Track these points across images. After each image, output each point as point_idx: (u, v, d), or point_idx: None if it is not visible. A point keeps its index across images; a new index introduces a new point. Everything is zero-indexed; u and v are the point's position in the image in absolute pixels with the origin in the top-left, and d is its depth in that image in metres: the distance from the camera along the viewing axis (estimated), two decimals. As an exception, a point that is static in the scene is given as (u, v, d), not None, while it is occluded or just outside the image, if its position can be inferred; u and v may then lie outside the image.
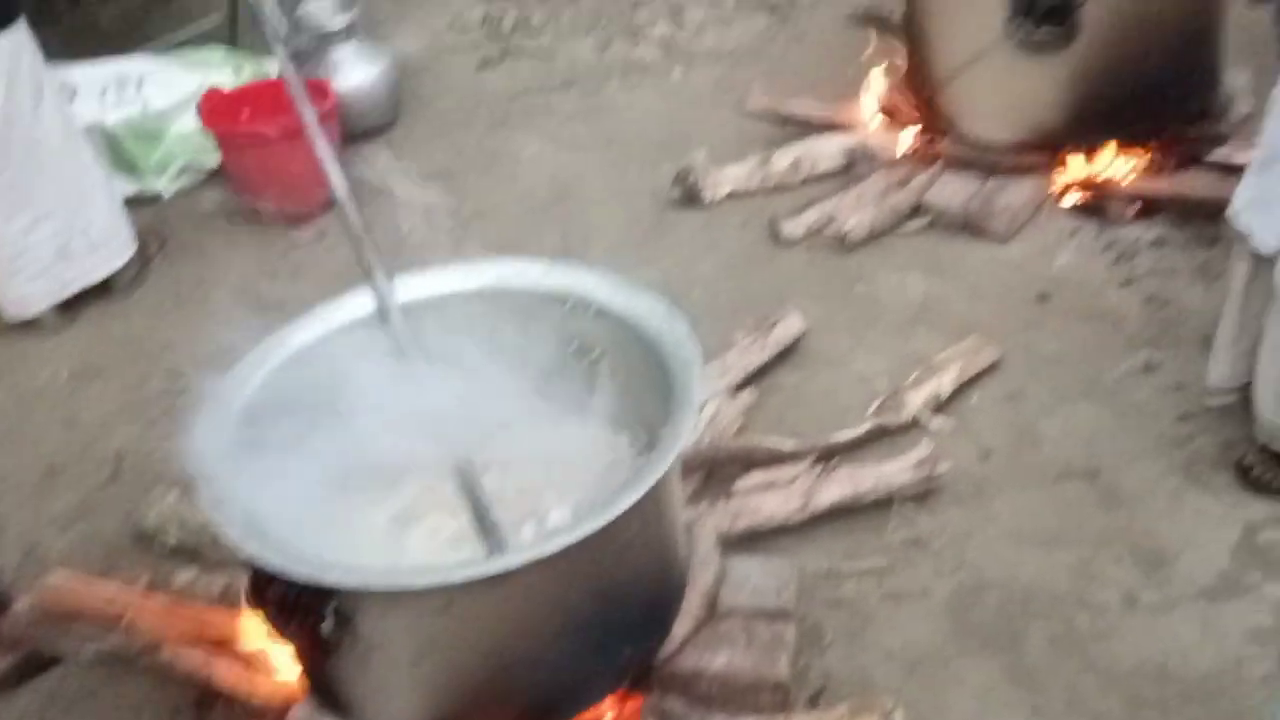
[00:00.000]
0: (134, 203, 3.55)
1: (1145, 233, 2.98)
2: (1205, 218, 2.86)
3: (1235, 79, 3.21)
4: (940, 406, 2.60)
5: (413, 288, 2.05)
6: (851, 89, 3.60)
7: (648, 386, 1.89)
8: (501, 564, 1.61)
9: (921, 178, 3.20)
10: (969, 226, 3.08)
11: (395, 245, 3.29)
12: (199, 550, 2.32)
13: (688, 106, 3.91)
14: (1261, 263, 2.08)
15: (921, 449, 2.40)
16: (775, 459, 2.41)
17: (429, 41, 4.44)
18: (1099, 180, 3.05)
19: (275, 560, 1.58)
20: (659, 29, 4.28)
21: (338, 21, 3.79)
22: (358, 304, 1.99)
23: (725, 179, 3.38)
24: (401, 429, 1.90)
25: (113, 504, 2.62)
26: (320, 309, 2.06)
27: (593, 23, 4.37)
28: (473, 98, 4.09)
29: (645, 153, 3.67)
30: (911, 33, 3.23)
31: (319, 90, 3.50)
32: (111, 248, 3.24)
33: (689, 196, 3.37)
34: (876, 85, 3.52)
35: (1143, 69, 2.87)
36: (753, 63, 4.09)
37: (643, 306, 1.99)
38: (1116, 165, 3.06)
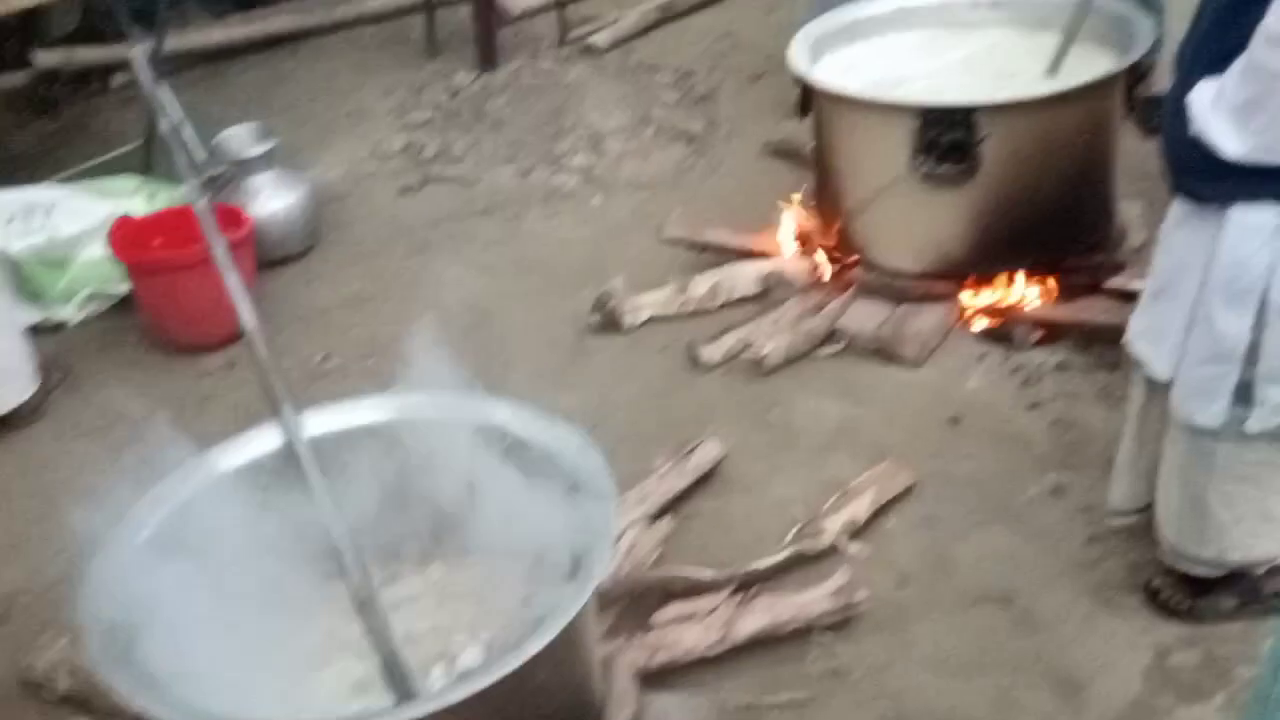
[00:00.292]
0: (39, 331, 3.48)
1: (1049, 357, 3.06)
2: (1105, 342, 2.95)
3: (1129, 210, 3.35)
4: (857, 532, 2.60)
5: (323, 421, 2.02)
6: (767, 218, 3.69)
7: (563, 519, 1.87)
8: (404, 715, 1.56)
9: (835, 304, 3.26)
10: (881, 351, 3.14)
11: (308, 375, 3.32)
12: (90, 700, 2.21)
13: (607, 234, 3.96)
14: (1156, 388, 2.13)
15: (839, 577, 2.40)
16: (694, 589, 2.39)
17: (349, 169, 4.47)
18: (1004, 307, 3.14)
19: (166, 716, 1.52)
20: (579, 158, 4.35)
21: (256, 149, 3.81)
22: (265, 438, 1.95)
23: (644, 305, 3.42)
24: (308, 568, 1.86)
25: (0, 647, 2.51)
26: (226, 443, 2.02)
27: (514, 152, 4.43)
28: (393, 224, 4.11)
29: (565, 279, 3.70)
30: (822, 166, 3.33)
31: (235, 217, 3.50)
32: (12, 383, 3.16)
33: (608, 322, 3.40)
34: (790, 215, 3.61)
35: (1041, 201, 2.98)
36: (671, 192, 4.18)
37: (558, 437, 1.99)
38: (1020, 292, 3.15)
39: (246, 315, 1.65)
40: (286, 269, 3.85)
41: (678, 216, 3.87)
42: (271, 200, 3.78)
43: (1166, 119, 1.86)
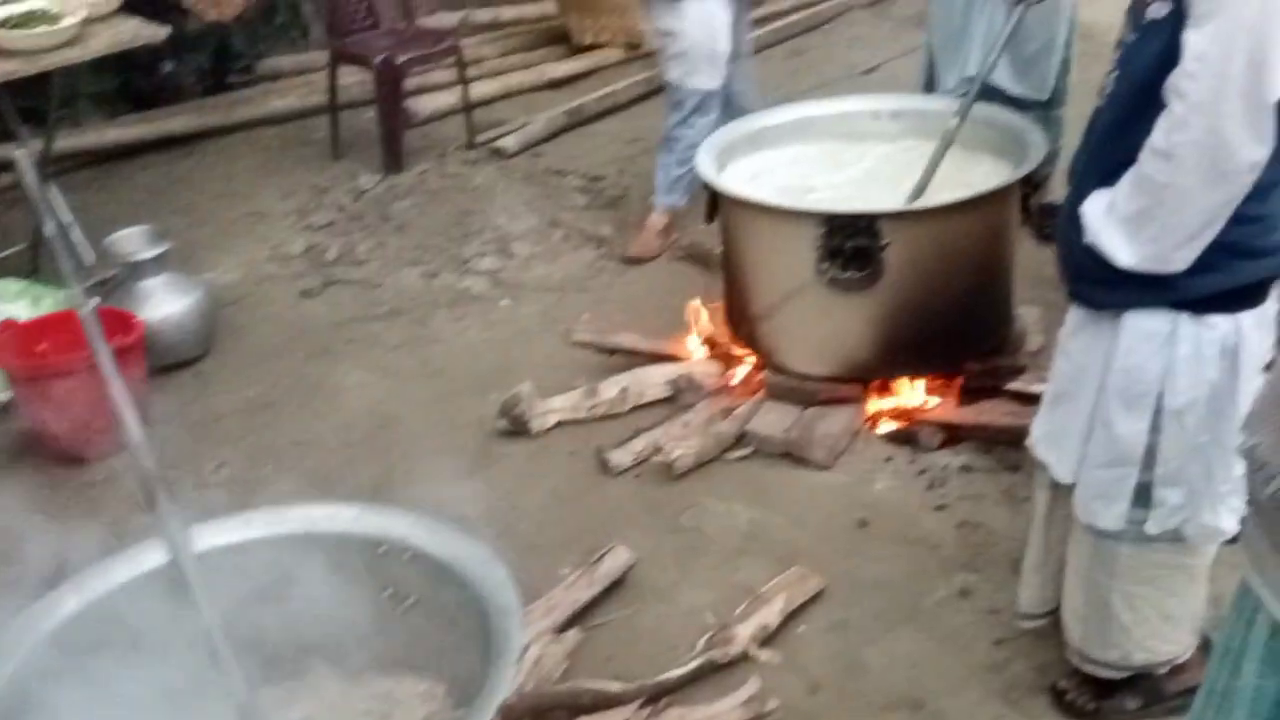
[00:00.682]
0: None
1: (954, 459, 3.09)
2: (1008, 444, 2.99)
3: (1028, 314, 3.44)
4: (768, 639, 2.56)
5: (212, 533, 1.93)
6: (676, 321, 3.70)
7: (466, 634, 1.81)
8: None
9: (744, 407, 3.27)
10: (791, 454, 3.14)
11: (199, 485, 3.20)
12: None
13: (515, 337, 3.94)
14: (1060, 490, 2.16)
15: (750, 686, 2.36)
16: (603, 703, 2.33)
17: (248, 271, 4.39)
18: (909, 410, 3.18)
19: None
20: (487, 261, 4.34)
21: (148, 252, 3.72)
22: (149, 552, 1.86)
23: (552, 409, 3.39)
24: (197, 687, 1.76)
25: None
26: (109, 557, 1.92)
27: (420, 254, 4.40)
28: (292, 328, 4.03)
29: (471, 383, 3.66)
30: (730, 270, 3.36)
31: (124, 322, 3.40)
32: (-117, 490, 3.00)
33: (516, 427, 3.35)
34: (699, 318, 3.63)
35: (943, 306, 3.04)
36: (579, 295, 4.18)
37: (461, 549, 1.92)
38: (924, 395, 3.19)
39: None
40: (180, 375, 3.74)
41: (586, 320, 3.87)
42: (164, 304, 3.68)
43: (1062, 229, 1.91)
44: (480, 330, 4.00)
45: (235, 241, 4.60)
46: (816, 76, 6.48)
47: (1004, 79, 3.84)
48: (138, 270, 3.70)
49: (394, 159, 5.03)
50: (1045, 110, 3.94)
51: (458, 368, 3.78)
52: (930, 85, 4.09)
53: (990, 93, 3.77)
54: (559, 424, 3.38)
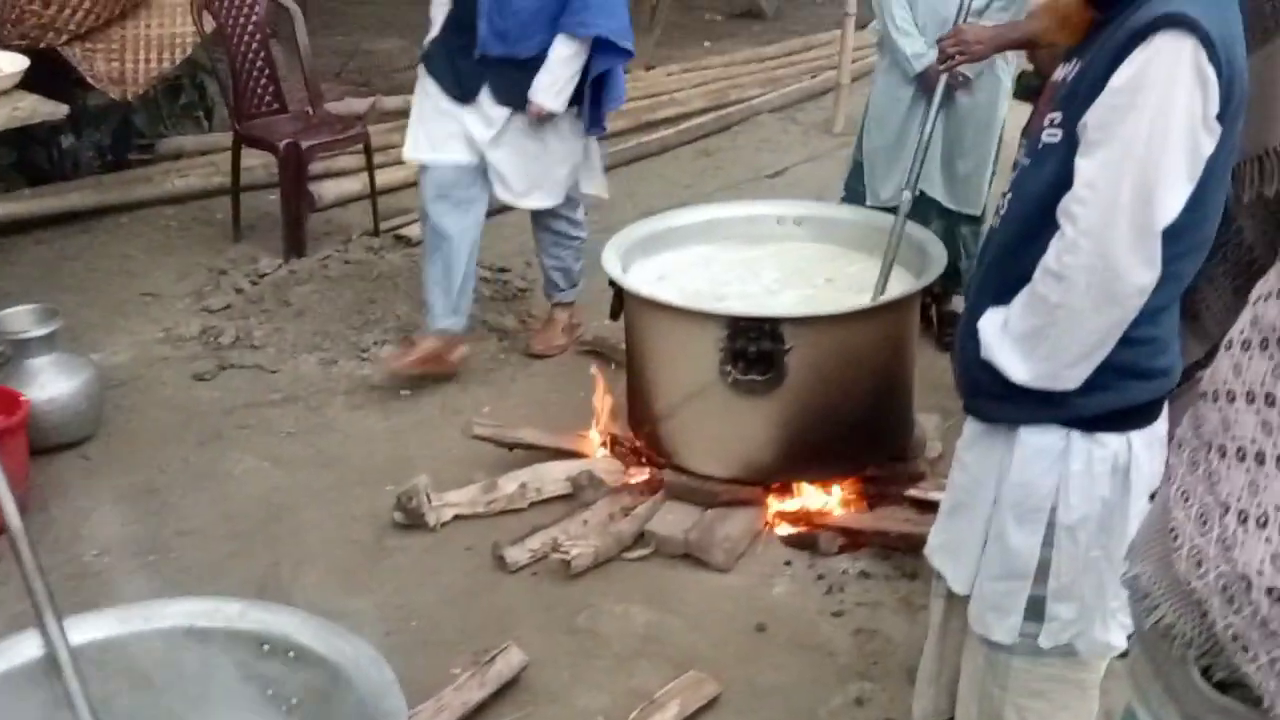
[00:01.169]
0: None
1: (852, 565, 3.10)
2: (906, 551, 3.02)
3: (927, 421, 3.50)
4: (663, 746, 2.51)
5: (90, 628, 1.83)
6: (578, 416, 3.69)
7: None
8: None
9: (644, 507, 3.24)
10: (690, 556, 3.12)
11: (79, 574, 3.06)
12: None
13: (414, 428, 3.87)
14: (956, 601, 2.16)
15: (644, 796, 2.30)
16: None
17: (140, 353, 4.26)
18: (809, 514, 3.19)
19: None
20: (388, 350, 4.28)
21: (36, 330, 3.59)
22: (26, 647, 1.76)
23: (450, 503, 3.33)
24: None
25: None
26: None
27: (319, 341, 4.32)
28: (184, 412, 3.91)
29: (367, 474, 3.57)
30: (633, 369, 3.36)
31: (9, 401, 3.27)
32: None
33: (412, 520, 3.28)
34: (602, 414, 3.62)
35: (844, 411, 3.07)
36: (481, 387, 4.14)
37: (347, 649, 1.85)
38: (824, 500, 3.21)
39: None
40: (65, 457, 3.59)
41: (487, 413, 3.83)
42: (51, 384, 3.54)
43: (959, 343, 1.95)
44: (378, 420, 3.93)
45: (128, 322, 4.47)
46: (724, 178, 6.62)
47: (938, 193, 4.00)
48: (25, 348, 3.56)
49: (296, 243, 4.96)
50: (976, 225, 4.08)
51: (353, 458, 3.69)
52: (854, 196, 4.18)
53: (927, 205, 3.95)
54: (456, 518, 3.32)
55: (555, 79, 3.75)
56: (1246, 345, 0.90)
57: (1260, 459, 0.86)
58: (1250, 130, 2.28)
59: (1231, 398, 0.90)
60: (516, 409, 3.96)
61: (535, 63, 3.76)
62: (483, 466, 3.55)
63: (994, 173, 4.10)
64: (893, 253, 3.12)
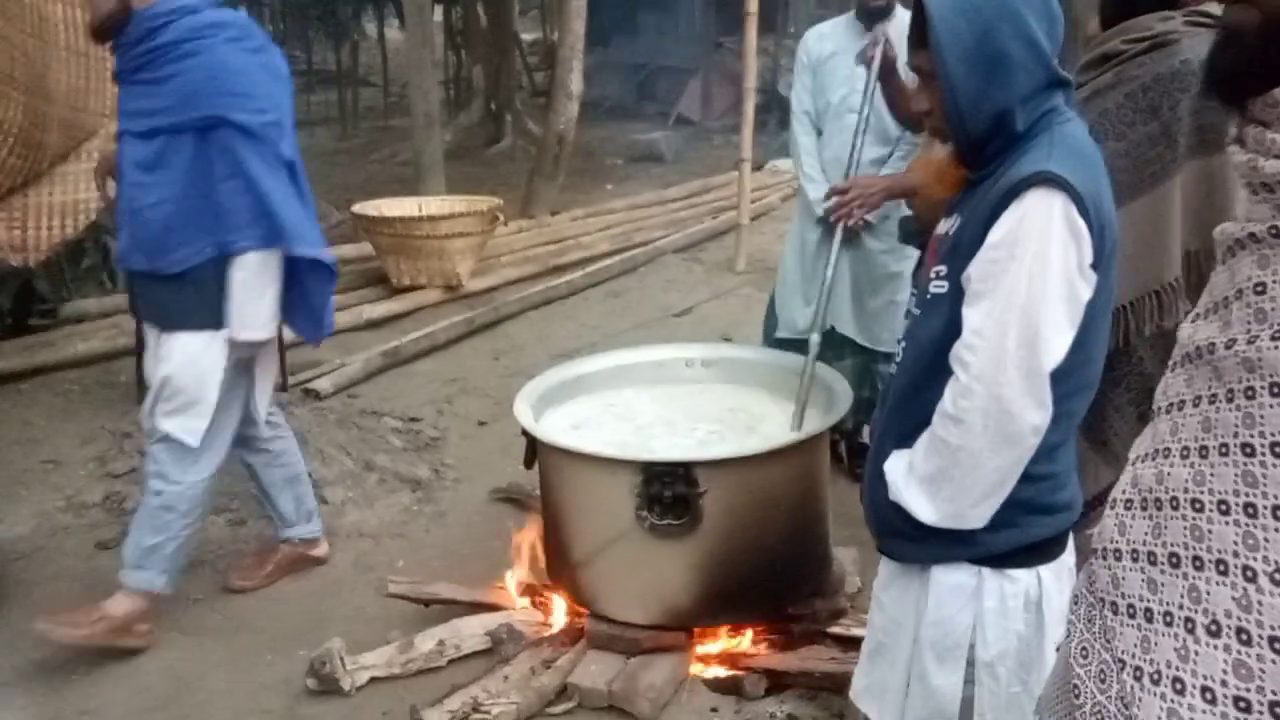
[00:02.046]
0: None
1: (780, 707, 3.06)
2: (831, 690, 2.99)
3: (844, 556, 3.51)
4: None
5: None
6: (495, 568, 3.64)
7: None
8: None
9: (566, 657, 3.18)
10: (615, 706, 3.06)
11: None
12: None
13: (326, 588, 3.78)
14: (885, 741, 2.15)
15: None
16: None
17: (40, 523, 4.12)
18: (732, 657, 3.16)
19: None
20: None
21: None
22: None
23: (365, 665, 3.22)
24: None
25: None
26: None
27: (227, 502, 4.22)
28: (86, 582, 3.76)
29: (279, 639, 3.46)
30: (549, 517, 3.34)
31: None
32: None
33: (326, 686, 3.17)
34: (519, 565, 3.58)
35: (761, 551, 3.08)
36: (395, 541, 4.07)
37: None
38: (747, 643, 3.18)
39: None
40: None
41: (402, 568, 3.76)
42: (-56, 562, 3.39)
43: (867, 485, 1.98)
44: (288, 581, 3.82)
45: (29, 491, 4.33)
46: (633, 317, 6.72)
47: (850, 330, 4.15)
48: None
49: (203, 402, 4.86)
50: (887, 362, 4.18)
51: (264, 622, 3.58)
52: (771, 327, 4.29)
53: (841, 341, 4.11)
54: (372, 680, 3.22)
55: (241, 306, 3.28)
56: (1129, 505, 0.93)
57: (1149, 616, 0.88)
58: (1146, 267, 2.41)
59: (1119, 556, 0.92)
60: (431, 562, 3.90)
61: (183, 281, 3.25)
62: (399, 624, 3.47)
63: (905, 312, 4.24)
64: (805, 394, 3.19)
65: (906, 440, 1.86)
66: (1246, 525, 0.81)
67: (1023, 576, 1.86)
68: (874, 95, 3.54)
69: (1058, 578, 1.89)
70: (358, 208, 7.17)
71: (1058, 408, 1.72)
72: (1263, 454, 0.81)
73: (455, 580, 3.61)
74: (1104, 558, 0.94)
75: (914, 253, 4.18)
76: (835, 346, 4.17)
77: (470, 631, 3.36)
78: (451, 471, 4.63)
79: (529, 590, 3.48)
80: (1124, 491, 0.94)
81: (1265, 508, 0.81)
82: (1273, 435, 0.81)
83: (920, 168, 3.21)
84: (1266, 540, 0.80)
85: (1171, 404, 0.91)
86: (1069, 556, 1.93)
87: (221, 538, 4.06)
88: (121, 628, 3.35)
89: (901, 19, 4.02)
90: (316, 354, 5.83)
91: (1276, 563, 0.79)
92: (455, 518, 4.24)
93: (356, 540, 4.08)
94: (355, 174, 11.82)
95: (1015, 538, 1.83)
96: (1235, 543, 0.82)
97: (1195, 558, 0.85)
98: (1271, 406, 0.81)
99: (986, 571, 1.86)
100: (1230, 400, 0.85)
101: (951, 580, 1.88)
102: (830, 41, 4.10)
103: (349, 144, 14.24)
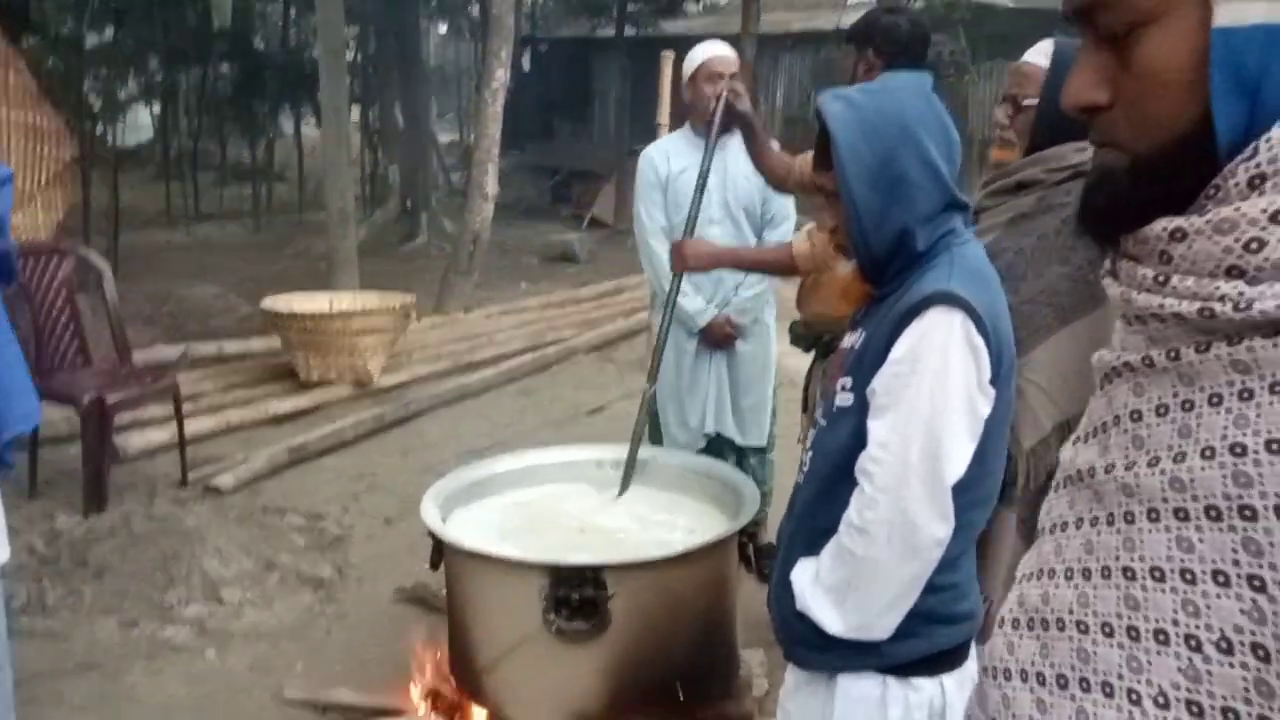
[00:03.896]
0: None
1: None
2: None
3: (752, 658, 3.50)
4: None
5: None
6: (398, 671, 3.55)
7: None
8: None
9: (468, 767, 3.10)
10: (518, 818, 2.98)
11: None
12: None
13: (221, 693, 3.65)
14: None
15: None
16: None
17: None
18: (639, 765, 3.10)
19: None
20: (192, 609, 4.07)
21: None
22: None
23: (258, 776, 3.11)
24: None
25: None
26: None
27: (118, 601, 4.08)
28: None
29: (167, 749, 3.33)
30: (455, 620, 3.27)
31: None
32: None
33: (215, 798, 3.05)
34: (422, 668, 3.49)
35: (669, 654, 3.05)
36: (294, 643, 3.96)
37: None
38: (654, 749, 3.14)
39: None
40: None
41: (301, 671, 3.65)
42: None
43: (774, 593, 1.98)
44: (181, 686, 3.69)
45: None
46: (544, 416, 6.72)
47: (730, 430, 4.30)
48: None
49: (97, 499, 4.73)
50: (763, 455, 4.32)
51: (152, 732, 3.44)
52: (657, 436, 4.33)
53: (722, 442, 4.29)
54: (264, 793, 3.10)
55: None
56: (1016, 624, 0.94)
57: None
58: (1091, 382, 2.46)
59: (1008, 675, 0.94)
60: (332, 665, 3.79)
61: None
62: (295, 733, 3.36)
63: (774, 409, 4.35)
64: (634, 452, 3.39)
65: (813, 548, 1.88)
66: (1130, 648, 0.83)
67: (927, 686, 1.88)
68: (727, 202, 4.01)
69: (961, 687, 1.91)
70: (268, 302, 7.09)
71: (959, 519, 1.76)
72: (1143, 578, 0.83)
73: (357, 684, 3.52)
74: (994, 677, 0.95)
75: (775, 354, 4.34)
76: (716, 450, 4.23)
77: (371, 739, 3.26)
78: (355, 571, 4.53)
79: (432, 695, 3.40)
80: (1011, 610, 0.95)
81: (1147, 631, 0.82)
82: (1152, 559, 0.82)
83: (789, 253, 3.30)
84: (1149, 663, 0.81)
85: (1055, 524, 0.93)
86: (971, 665, 1.95)
87: (111, 640, 3.91)
88: None
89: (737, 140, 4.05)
90: (219, 449, 5.71)
91: (1160, 686, 0.80)
92: (358, 619, 4.15)
93: (254, 642, 3.95)
94: (267, 268, 11.72)
95: (919, 647, 1.85)
96: (1120, 665, 0.83)
97: (1082, 679, 0.86)
98: (1150, 531, 0.83)
99: (891, 681, 1.87)
100: (1110, 524, 0.86)
101: (857, 690, 1.89)
102: (676, 159, 4.16)
103: (261, 238, 14.15)
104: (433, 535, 3.20)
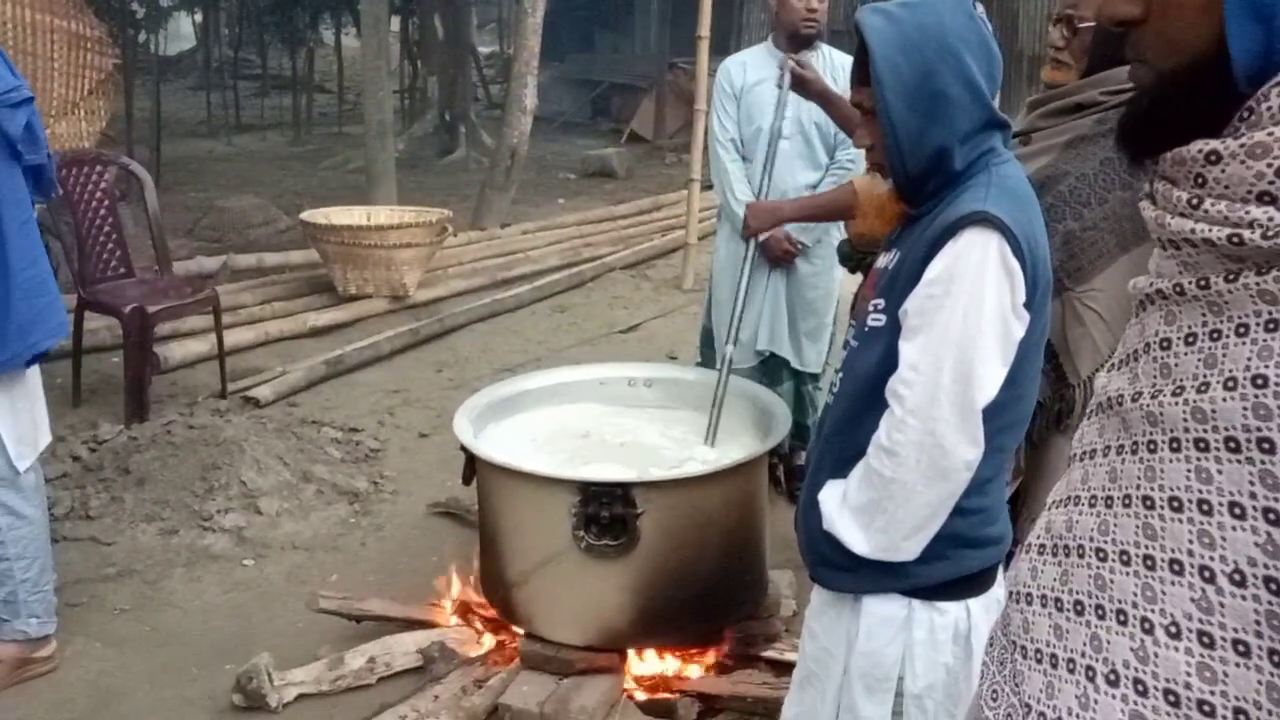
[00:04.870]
0: None
1: (707, 730, 3.06)
2: (764, 715, 2.99)
3: (780, 579, 3.52)
4: None
5: None
6: (429, 584, 3.60)
7: None
8: None
9: (498, 678, 3.15)
10: (546, 727, 3.03)
11: None
12: None
13: (257, 601, 3.72)
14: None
15: None
16: None
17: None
18: (667, 679, 3.14)
19: None
20: (231, 518, 4.13)
21: None
22: None
23: (293, 681, 3.17)
24: None
25: None
26: None
27: (158, 510, 4.15)
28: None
29: (206, 653, 3.41)
30: (485, 535, 3.31)
31: None
32: None
33: (253, 702, 3.12)
34: (454, 582, 3.54)
35: (698, 573, 3.07)
36: (329, 554, 4.02)
37: None
38: (682, 664, 3.18)
39: None
40: None
41: (335, 582, 3.71)
42: None
43: (801, 513, 1.98)
44: (219, 593, 3.76)
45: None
46: (578, 333, 6.71)
47: (786, 351, 4.20)
48: None
49: (138, 408, 4.80)
50: (818, 382, 4.25)
51: (191, 635, 3.52)
52: (708, 360, 4.30)
53: (779, 364, 4.19)
54: (300, 698, 3.17)
55: None
56: (1041, 550, 0.94)
57: (1054, 662, 0.89)
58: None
59: (1029, 600, 0.94)
60: (366, 576, 3.85)
61: None
62: (329, 640, 3.42)
63: (834, 334, 4.28)
64: (718, 409, 3.25)
65: (842, 470, 1.86)
66: (1145, 577, 0.83)
67: (952, 609, 1.87)
68: (799, 119, 3.82)
69: (987, 611, 1.90)
70: (306, 215, 7.10)
71: (989, 443, 1.73)
72: (1161, 508, 0.83)
73: (389, 596, 3.57)
74: (1017, 601, 0.95)
75: (841, 275, 4.25)
76: (772, 370, 4.20)
77: (402, 649, 3.32)
78: (390, 484, 4.58)
79: (463, 608, 3.45)
80: (1038, 536, 0.95)
81: (1163, 561, 0.82)
82: (1171, 489, 0.82)
83: (862, 203, 3.23)
84: (1163, 593, 0.81)
85: (1084, 452, 0.93)
86: (998, 590, 1.94)
87: (152, 547, 3.99)
88: (17, 666, 3.25)
89: (825, 52, 4.06)
90: (258, 361, 5.77)
91: (1172, 616, 0.80)
92: (392, 531, 4.20)
93: (290, 553, 4.02)
94: (307, 180, 11.73)
95: (946, 570, 1.84)
96: (1134, 594, 0.83)
97: (1098, 606, 0.86)
98: (1171, 462, 0.82)
99: (916, 603, 1.87)
100: (1134, 452, 0.86)
101: (882, 611, 1.89)
102: (753, 70, 4.10)
103: (301, 149, 14.13)
104: (465, 450, 3.23)
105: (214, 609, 3.67)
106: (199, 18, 17.62)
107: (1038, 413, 2.46)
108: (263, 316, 6.39)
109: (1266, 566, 0.75)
